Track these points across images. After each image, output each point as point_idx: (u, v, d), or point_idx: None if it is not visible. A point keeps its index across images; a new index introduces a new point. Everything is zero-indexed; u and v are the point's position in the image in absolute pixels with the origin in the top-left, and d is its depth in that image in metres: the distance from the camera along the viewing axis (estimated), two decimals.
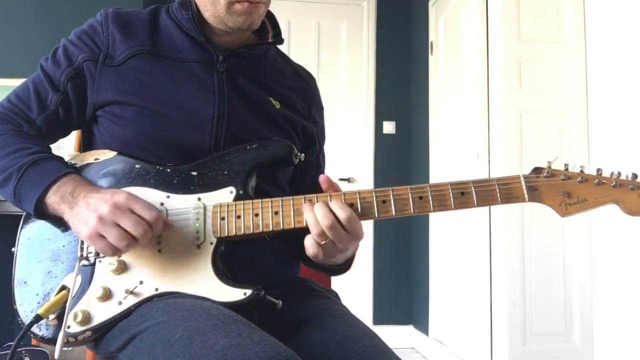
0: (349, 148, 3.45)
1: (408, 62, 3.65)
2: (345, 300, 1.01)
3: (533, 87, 2.38)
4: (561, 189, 0.80)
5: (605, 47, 1.91)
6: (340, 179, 3.39)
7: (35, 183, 0.82)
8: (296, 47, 3.37)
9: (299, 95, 1.05)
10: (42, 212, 0.83)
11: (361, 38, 3.63)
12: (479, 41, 2.66)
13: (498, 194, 0.81)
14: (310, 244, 0.81)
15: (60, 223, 0.85)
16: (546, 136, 2.32)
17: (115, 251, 0.78)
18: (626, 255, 1.71)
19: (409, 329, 3.44)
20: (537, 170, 0.82)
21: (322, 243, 0.79)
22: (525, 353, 2.33)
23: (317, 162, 1.11)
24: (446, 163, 3.03)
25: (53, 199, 0.82)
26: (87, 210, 0.78)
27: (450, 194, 0.81)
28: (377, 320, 3.38)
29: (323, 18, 3.61)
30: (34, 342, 2.23)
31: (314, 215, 0.79)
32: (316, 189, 1.06)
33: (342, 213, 0.79)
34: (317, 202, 0.81)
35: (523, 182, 0.81)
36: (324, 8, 3.61)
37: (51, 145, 0.95)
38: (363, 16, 3.65)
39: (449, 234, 2.94)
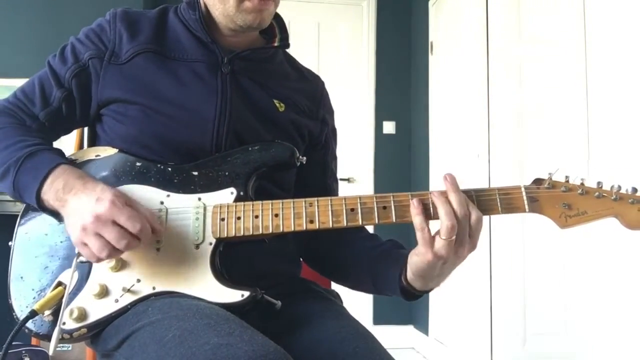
0: (349, 148, 3.45)
1: (408, 62, 3.65)
2: (345, 301, 1.01)
3: (533, 86, 2.38)
4: (561, 201, 0.80)
5: (605, 47, 1.91)
6: (341, 179, 3.37)
7: (31, 176, 0.82)
8: (296, 47, 3.35)
9: (306, 96, 1.05)
10: (43, 206, 0.83)
11: (361, 38, 3.64)
12: (479, 41, 2.66)
13: (499, 203, 0.80)
14: (424, 240, 0.76)
15: (59, 216, 0.84)
16: (546, 136, 2.32)
17: (98, 260, 0.78)
18: (625, 256, 1.71)
19: (409, 329, 3.44)
20: (537, 182, 0.82)
21: (446, 238, 0.74)
22: (525, 353, 2.33)
23: (324, 163, 1.09)
24: (446, 163, 3.03)
25: (48, 195, 0.81)
26: (75, 216, 0.77)
27: None
28: (377, 321, 3.38)
29: (323, 18, 3.61)
30: (34, 341, 2.23)
31: (450, 205, 0.76)
32: (322, 189, 1.07)
33: (473, 210, 0.76)
34: (451, 189, 0.76)
35: (524, 193, 0.81)
36: (324, 8, 3.61)
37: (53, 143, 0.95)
38: (363, 16, 3.65)
39: None
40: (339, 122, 1.14)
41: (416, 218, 0.78)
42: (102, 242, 0.75)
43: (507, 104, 2.50)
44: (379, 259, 0.92)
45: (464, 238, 0.76)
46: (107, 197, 0.77)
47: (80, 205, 0.77)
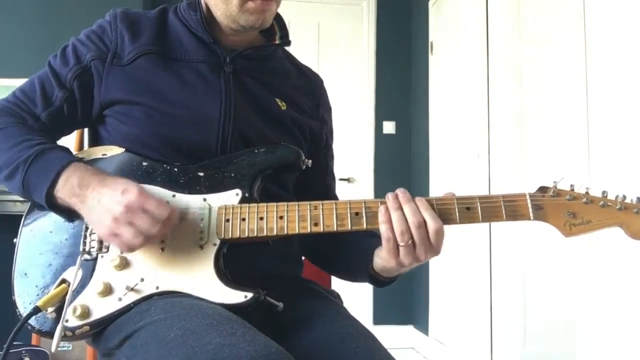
0: (349, 148, 3.46)
1: (408, 62, 3.65)
2: (345, 301, 1.02)
3: (533, 86, 2.38)
4: (566, 209, 0.80)
5: (605, 47, 1.91)
6: (341, 179, 3.39)
7: (42, 175, 0.82)
8: (296, 47, 3.35)
9: (306, 95, 1.06)
10: (53, 204, 0.83)
11: (361, 38, 3.64)
12: (479, 41, 2.66)
13: (503, 211, 0.81)
14: (389, 249, 0.80)
15: (70, 214, 0.84)
16: (546, 136, 2.32)
17: (131, 249, 0.79)
18: (625, 256, 1.71)
19: (409, 329, 3.44)
20: (542, 189, 0.82)
21: (402, 244, 0.79)
22: (525, 353, 2.33)
23: (325, 162, 1.10)
24: (446, 163, 3.03)
25: (62, 192, 0.81)
26: (101, 209, 0.78)
27: (456, 208, 0.81)
28: (377, 321, 3.38)
29: (323, 18, 3.61)
30: (34, 341, 2.23)
31: (402, 211, 0.79)
32: (323, 188, 1.07)
33: (430, 219, 0.79)
34: (402, 200, 0.80)
35: (529, 201, 0.81)
36: (324, 8, 3.61)
37: None
38: (363, 16, 3.65)
39: (449, 234, 2.93)
40: (339, 122, 1.15)
41: (382, 226, 0.80)
42: (135, 230, 0.76)
43: (507, 104, 2.50)
44: (354, 252, 0.96)
45: (423, 246, 0.80)
46: (134, 188, 0.78)
47: (105, 199, 0.78)
